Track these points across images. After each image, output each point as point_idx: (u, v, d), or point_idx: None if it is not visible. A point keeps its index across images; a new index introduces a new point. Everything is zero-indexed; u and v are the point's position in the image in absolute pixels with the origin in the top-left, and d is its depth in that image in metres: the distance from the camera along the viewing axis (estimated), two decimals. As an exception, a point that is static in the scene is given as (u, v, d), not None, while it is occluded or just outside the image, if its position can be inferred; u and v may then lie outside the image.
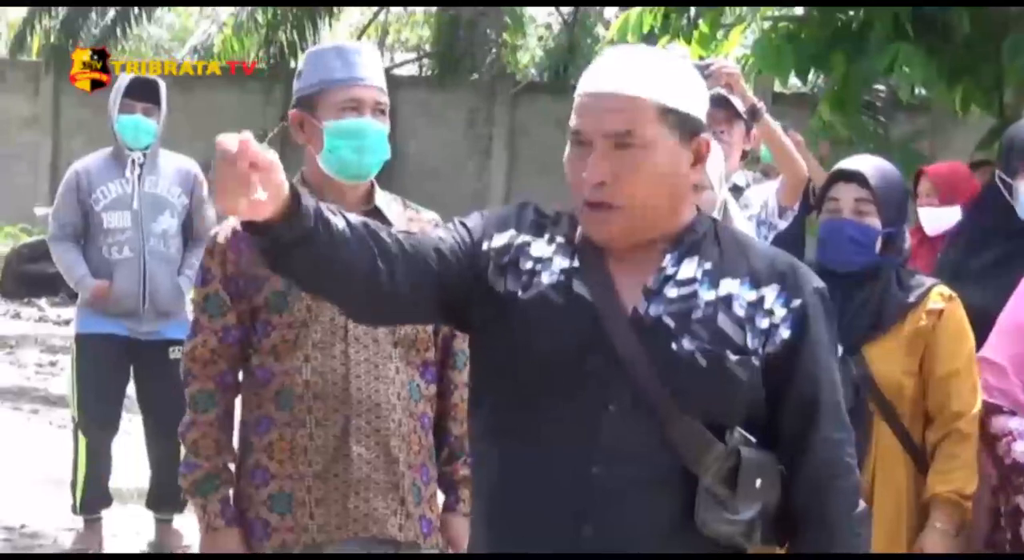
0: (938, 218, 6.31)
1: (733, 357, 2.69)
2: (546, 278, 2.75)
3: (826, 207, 4.26)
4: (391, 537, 3.75)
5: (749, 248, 2.83)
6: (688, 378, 2.67)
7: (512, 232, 2.82)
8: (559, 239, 2.81)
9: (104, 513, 7.24)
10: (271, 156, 2.45)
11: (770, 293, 2.74)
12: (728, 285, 2.74)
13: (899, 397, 4.13)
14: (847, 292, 4.17)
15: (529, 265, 2.77)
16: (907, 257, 4.34)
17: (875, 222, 4.18)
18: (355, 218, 2.66)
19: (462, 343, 3.87)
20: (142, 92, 6.96)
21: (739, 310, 2.72)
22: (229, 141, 2.42)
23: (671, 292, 2.72)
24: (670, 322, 2.70)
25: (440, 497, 3.95)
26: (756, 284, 2.75)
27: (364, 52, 3.85)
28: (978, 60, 8.36)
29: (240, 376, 3.87)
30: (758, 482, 2.68)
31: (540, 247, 2.80)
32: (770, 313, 2.73)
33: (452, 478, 3.91)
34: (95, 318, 7.04)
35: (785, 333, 2.74)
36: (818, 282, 2.81)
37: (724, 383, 2.68)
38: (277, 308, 3.74)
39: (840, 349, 4.08)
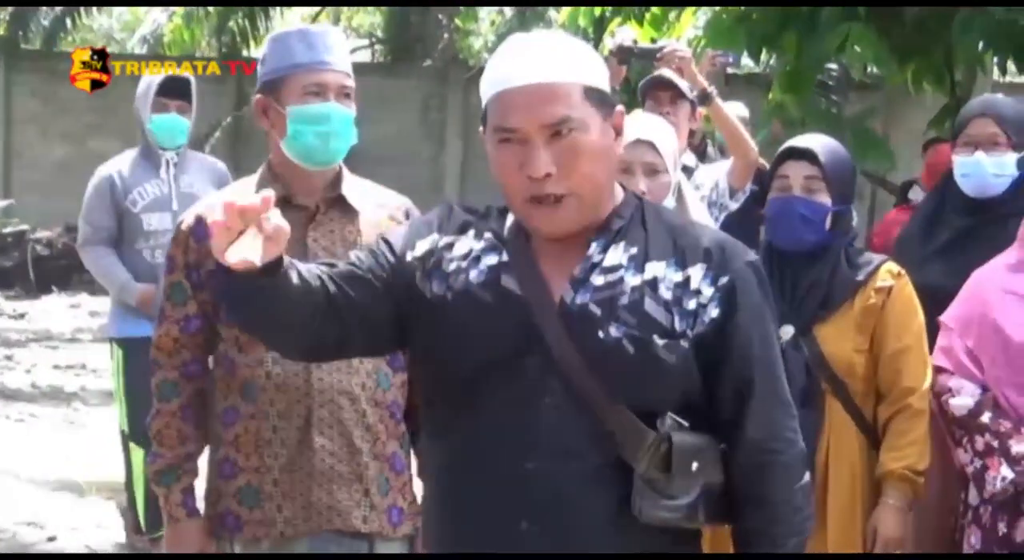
0: None
1: (660, 341, 2.66)
2: (474, 276, 2.74)
3: (775, 185, 4.26)
4: (355, 529, 3.72)
5: (676, 228, 2.79)
6: (616, 366, 2.65)
7: (435, 236, 2.81)
8: (487, 235, 2.80)
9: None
10: (282, 227, 2.48)
11: (696, 272, 2.71)
12: (654, 268, 2.71)
13: (851, 375, 4.15)
14: (797, 272, 4.19)
15: (453, 266, 2.76)
16: (855, 236, 4.35)
17: (825, 199, 4.18)
18: (305, 269, 2.68)
19: None
20: (174, 90, 6.76)
21: (666, 292, 2.69)
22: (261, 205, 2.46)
23: (597, 280, 2.70)
24: (596, 310, 2.68)
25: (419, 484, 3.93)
26: (682, 264, 2.72)
27: (329, 35, 3.79)
28: (929, 39, 8.37)
29: (211, 364, 3.84)
30: (695, 465, 2.66)
31: (465, 245, 2.79)
32: (697, 293, 2.70)
33: None
34: (134, 320, 6.59)
35: (714, 312, 2.70)
36: (749, 256, 2.77)
37: (653, 369, 2.66)
38: None
39: (792, 330, 4.11)
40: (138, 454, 6.46)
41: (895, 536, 4.10)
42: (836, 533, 4.12)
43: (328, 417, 3.69)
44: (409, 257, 2.78)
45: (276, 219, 2.47)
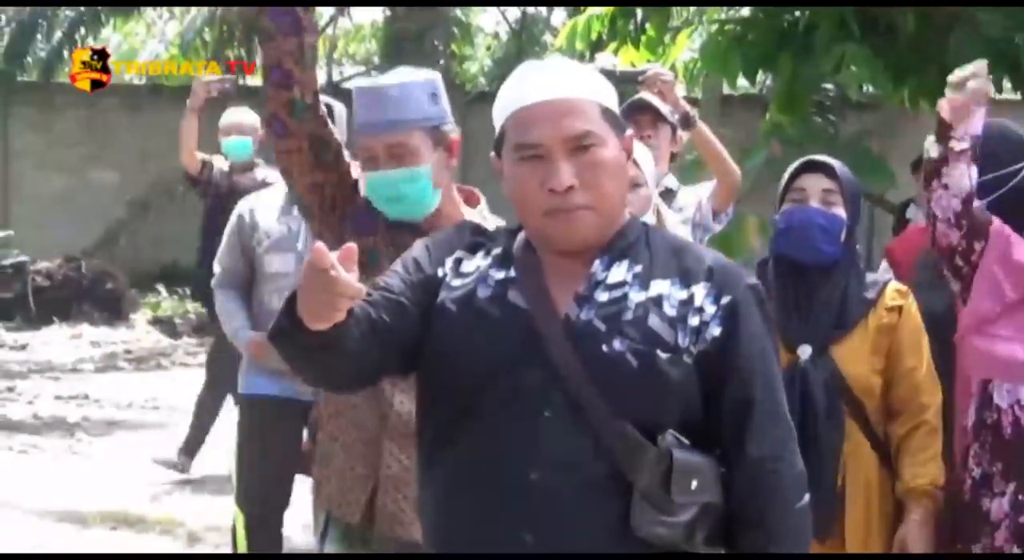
0: None
1: (663, 355, 2.68)
2: (481, 291, 2.78)
3: (790, 198, 4.28)
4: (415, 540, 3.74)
5: (680, 249, 2.83)
6: (619, 379, 2.67)
7: (457, 253, 2.86)
8: (496, 252, 2.84)
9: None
10: (355, 286, 2.46)
11: (700, 291, 2.74)
12: (658, 286, 2.74)
13: (868, 395, 4.17)
14: (810, 287, 4.21)
15: (459, 282, 2.80)
16: (860, 255, 4.37)
17: (842, 213, 4.22)
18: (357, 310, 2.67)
19: None
20: None
21: (670, 309, 2.72)
22: (322, 257, 2.43)
23: (602, 296, 2.74)
24: (600, 325, 2.71)
25: None
26: (686, 283, 2.75)
27: (375, 91, 3.84)
28: (924, 58, 8.39)
29: None
30: (694, 484, 2.67)
31: (474, 263, 2.83)
32: (700, 310, 2.73)
33: None
34: (259, 376, 5.94)
35: (716, 330, 2.72)
36: (750, 279, 2.80)
37: (655, 382, 2.68)
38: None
39: (809, 349, 4.12)
40: (240, 517, 6.07)
41: (924, 552, 4.11)
42: (853, 549, 4.15)
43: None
44: (440, 273, 2.83)
45: (344, 276, 2.45)
